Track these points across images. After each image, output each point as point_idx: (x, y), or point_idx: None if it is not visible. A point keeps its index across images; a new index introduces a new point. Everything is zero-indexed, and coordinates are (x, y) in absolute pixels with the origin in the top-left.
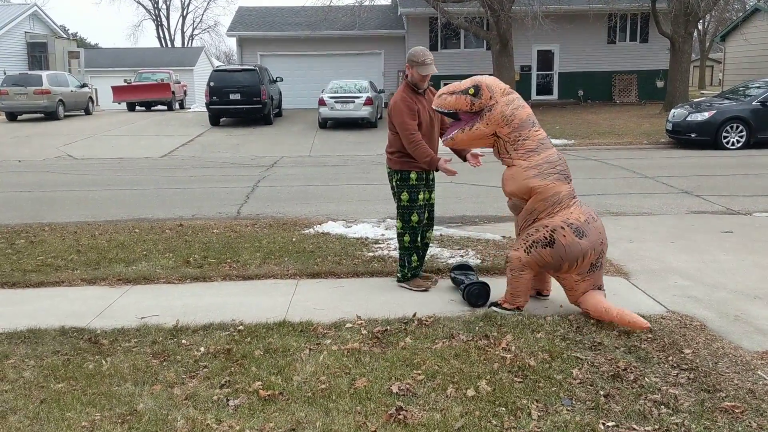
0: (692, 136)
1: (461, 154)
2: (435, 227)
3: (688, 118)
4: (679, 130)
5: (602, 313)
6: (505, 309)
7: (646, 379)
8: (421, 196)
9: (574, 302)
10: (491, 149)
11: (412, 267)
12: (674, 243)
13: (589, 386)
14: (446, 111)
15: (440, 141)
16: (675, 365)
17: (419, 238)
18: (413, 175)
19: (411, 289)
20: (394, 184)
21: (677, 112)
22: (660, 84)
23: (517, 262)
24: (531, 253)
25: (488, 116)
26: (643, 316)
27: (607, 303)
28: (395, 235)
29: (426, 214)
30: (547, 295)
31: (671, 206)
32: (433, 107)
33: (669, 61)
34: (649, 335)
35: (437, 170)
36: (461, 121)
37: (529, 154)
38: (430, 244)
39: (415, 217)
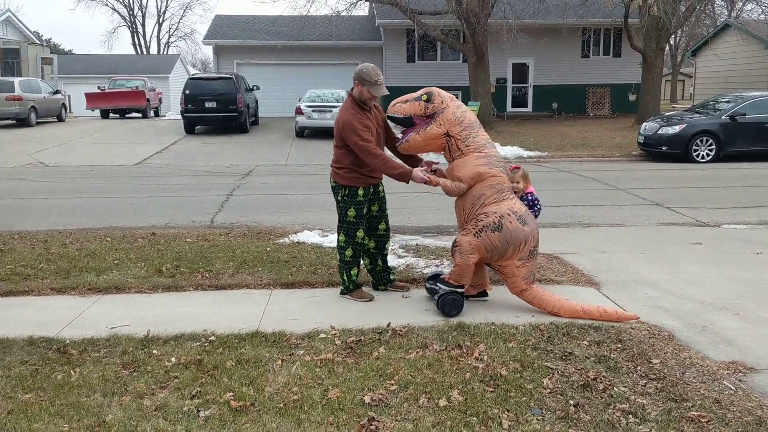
0: (663, 149)
1: (411, 165)
2: (411, 237)
3: (660, 132)
4: (651, 143)
5: (578, 313)
6: (450, 284)
7: (615, 388)
8: (365, 212)
9: (516, 293)
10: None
11: (352, 279)
12: (644, 254)
13: (559, 396)
14: (401, 117)
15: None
16: (643, 375)
17: (377, 249)
18: (360, 192)
19: (356, 300)
20: (339, 198)
21: (649, 126)
22: (632, 97)
23: (467, 245)
24: (480, 237)
25: (441, 117)
26: (612, 327)
27: (574, 302)
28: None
29: (384, 226)
30: (487, 295)
31: (642, 218)
32: (388, 115)
33: (641, 75)
34: (619, 345)
35: (408, 182)
36: (415, 126)
37: (480, 148)
38: (405, 255)
39: (360, 233)
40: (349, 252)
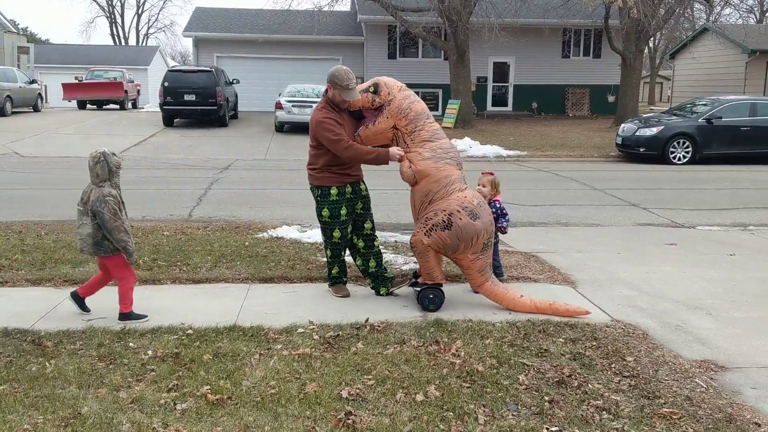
0: (641, 150)
1: None
2: (390, 233)
3: (637, 133)
4: (629, 144)
5: (531, 308)
6: (427, 284)
7: (589, 385)
8: (343, 212)
9: (476, 287)
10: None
11: (332, 277)
12: (621, 254)
13: (534, 392)
14: (351, 110)
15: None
16: (617, 372)
17: (367, 248)
18: (333, 191)
19: (334, 295)
20: (315, 198)
21: (627, 127)
22: (611, 99)
23: (420, 245)
24: (431, 236)
25: (388, 110)
26: (587, 325)
27: (527, 298)
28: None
29: (369, 225)
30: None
31: (619, 218)
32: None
33: (620, 76)
34: (594, 343)
35: (388, 162)
36: (365, 120)
37: (424, 142)
38: (384, 252)
39: (337, 233)
40: (329, 252)
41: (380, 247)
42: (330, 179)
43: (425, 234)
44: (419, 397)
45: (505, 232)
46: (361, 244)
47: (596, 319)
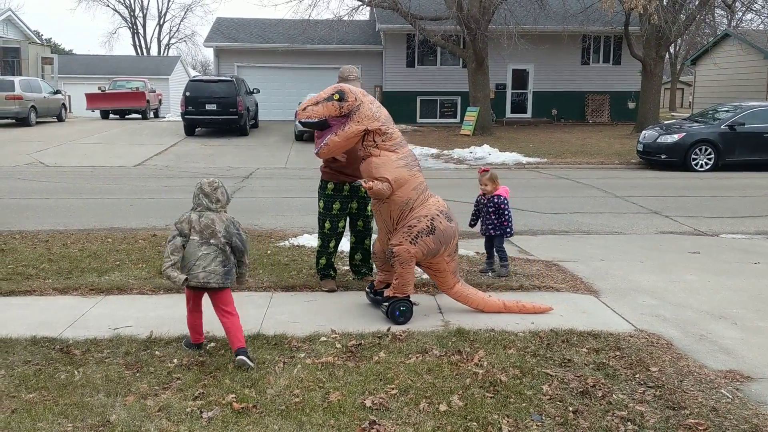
0: (662, 157)
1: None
2: None
3: (659, 140)
4: (650, 151)
5: (501, 308)
6: (398, 298)
7: (613, 395)
8: (336, 206)
9: (446, 290)
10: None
11: (319, 267)
12: (643, 263)
13: (558, 402)
14: (315, 121)
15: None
16: (642, 382)
17: (357, 243)
18: (330, 185)
19: (322, 288)
20: (317, 191)
21: (648, 134)
22: (632, 105)
23: (406, 254)
24: (418, 243)
25: (358, 115)
26: (611, 334)
27: (496, 299)
28: (367, 247)
29: (362, 223)
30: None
31: (640, 226)
32: (301, 121)
33: (641, 83)
34: (617, 353)
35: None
36: (331, 128)
37: (396, 146)
38: None
39: (327, 224)
40: (318, 241)
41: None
42: (328, 174)
43: (411, 242)
44: (442, 407)
45: (511, 235)
46: (353, 239)
47: (620, 328)
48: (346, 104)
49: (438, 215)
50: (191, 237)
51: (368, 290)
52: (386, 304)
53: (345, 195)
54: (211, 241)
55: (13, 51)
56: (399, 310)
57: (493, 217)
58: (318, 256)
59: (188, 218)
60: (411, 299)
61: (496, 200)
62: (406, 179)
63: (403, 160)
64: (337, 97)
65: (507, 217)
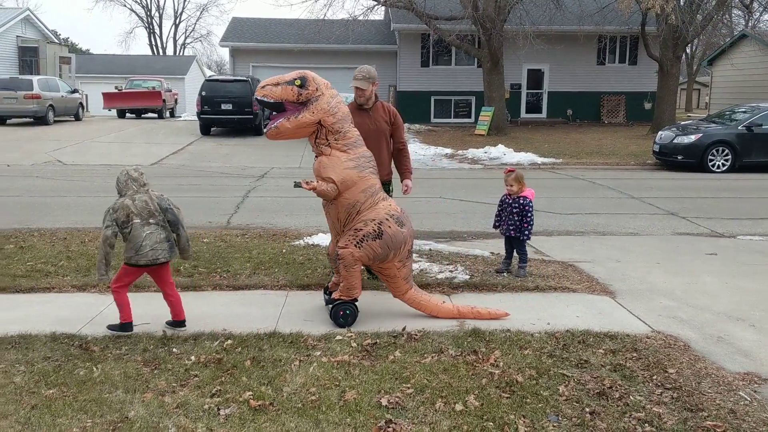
0: (679, 158)
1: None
2: (424, 241)
3: (675, 141)
4: (666, 152)
5: (455, 314)
6: (346, 301)
7: (630, 397)
8: None
9: (399, 296)
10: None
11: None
12: (660, 264)
13: (575, 403)
14: (271, 101)
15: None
16: (659, 384)
17: None
18: None
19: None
20: None
21: (664, 134)
22: (648, 106)
23: (350, 257)
24: (362, 246)
25: (315, 105)
26: (627, 336)
27: (450, 304)
28: None
29: None
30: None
31: (657, 227)
32: (257, 98)
33: (657, 83)
34: (634, 354)
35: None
36: (286, 112)
37: (349, 146)
38: (419, 260)
39: None
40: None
41: (414, 255)
42: None
43: (356, 245)
44: (458, 407)
45: (528, 238)
46: None
47: (636, 330)
48: (306, 92)
49: (387, 219)
50: (133, 221)
51: (324, 291)
52: (330, 306)
53: None
54: (150, 220)
55: (32, 50)
56: (342, 313)
57: (516, 218)
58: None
59: (123, 205)
60: (356, 303)
61: (521, 201)
62: (354, 181)
63: (353, 161)
64: (298, 83)
65: (529, 219)
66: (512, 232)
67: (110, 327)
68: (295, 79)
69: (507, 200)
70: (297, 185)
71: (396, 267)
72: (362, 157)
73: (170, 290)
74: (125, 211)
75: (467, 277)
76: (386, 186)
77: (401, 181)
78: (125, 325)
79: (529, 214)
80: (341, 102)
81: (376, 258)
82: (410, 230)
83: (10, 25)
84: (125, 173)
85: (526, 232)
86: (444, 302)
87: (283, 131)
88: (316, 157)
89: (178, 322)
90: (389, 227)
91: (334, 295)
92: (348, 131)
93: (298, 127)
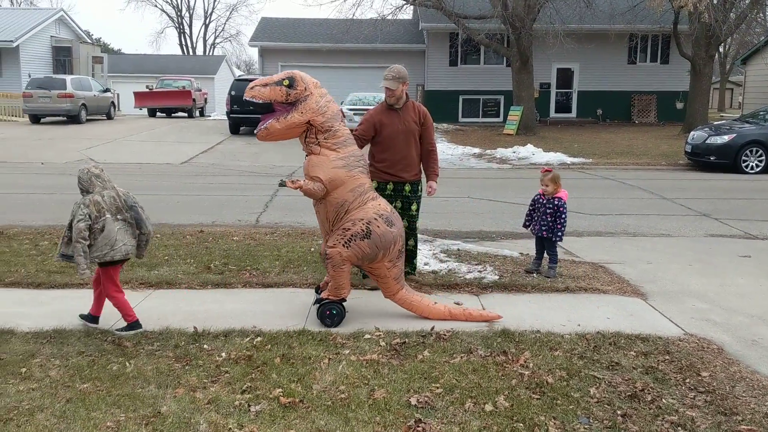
0: (711, 158)
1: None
2: (452, 241)
3: (708, 141)
4: (698, 152)
5: (446, 315)
6: (333, 301)
7: (663, 400)
8: None
9: (390, 296)
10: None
11: None
12: (692, 266)
13: (606, 405)
14: (260, 102)
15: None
16: (692, 387)
17: None
18: (373, 184)
19: (364, 287)
20: None
21: (697, 135)
22: (680, 105)
23: (338, 257)
24: (350, 246)
25: (303, 105)
26: (659, 338)
27: (442, 305)
28: (410, 248)
29: (405, 223)
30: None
31: (689, 228)
32: (246, 98)
33: (689, 83)
34: (667, 357)
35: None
36: (275, 113)
37: (338, 145)
38: (447, 260)
39: None
40: None
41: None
42: (372, 173)
43: (344, 245)
44: (488, 408)
45: (560, 240)
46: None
47: (668, 332)
48: (294, 92)
49: (376, 219)
50: (105, 216)
51: (315, 290)
52: (317, 305)
53: (388, 194)
54: (119, 216)
55: (65, 50)
56: (329, 313)
57: (549, 219)
58: None
59: (94, 200)
60: (344, 303)
61: (556, 202)
62: (343, 180)
63: (342, 160)
64: (286, 83)
65: (562, 220)
66: (544, 232)
67: (119, 330)
68: (284, 79)
69: (541, 200)
70: (282, 184)
71: (386, 267)
72: (352, 156)
73: (119, 291)
74: (96, 207)
75: (496, 277)
76: (414, 186)
77: (426, 182)
78: (134, 324)
79: (563, 216)
80: (331, 101)
81: (365, 258)
82: (400, 230)
83: (45, 25)
84: (87, 171)
85: (559, 233)
86: (436, 303)
87: (273, 132)
88: (306, 156)
89: (92, 317)
90: (378, 227)
91: (323, 295)
92: (338, 130)
93: (287, 127)
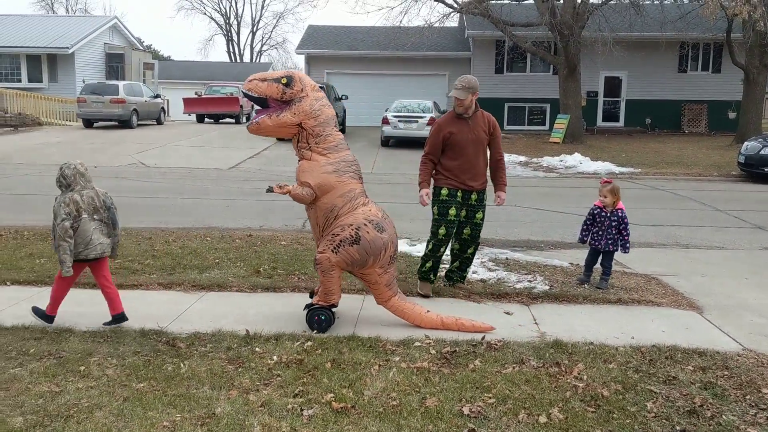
0: (765, 170)
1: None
2: (500, 250)
3: (762, 152)
4: (752, 163)
5: (438, 324)
6: (323, 307)
7: (723, 416)
8: (452, 212)
9: (382, 303)
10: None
11: (423, 270)
12: (748, 279)
13: (664, 420)
14: (256, 96)
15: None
16: (753, 404)
17: (459, 251)
18: (444, 191)
19: (419, 291)
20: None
21: (750, 145)
22: (732, 115)
23: (326, 262)
24: (339, 252)
25: (297, 106)
26: (717, 353)
27: (434, 314)
28: (468, 256)
29: (468, 231)
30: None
31: (744, 241)
32: (243, 91)
33: (742, 92)
34: (725, 372)
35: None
36: (269, 109)
37: (329, 150)
38: (496, 268)
39: (442, 230)
40: (429, 246)
41: (491, 263)
42: (442, 180)
43: (333, 251)
44: (542, 419)
45: (628, 252)
46: (456, 245)
47: (726, 347)
48: (290, 91)
49: (365, 225)
50: (82, 216)
51: (310, 294)
52: (306, 310)
53: (458, 201)
54: (95, 216)
55: (118, 57)
56: (317, 319)
57: (614, 232)
58: (425, 260)
59: (72, 199)
60: (333, 309)
61: (619, 214)
62: (333, 185)
63: (333, 165)
64: (284, 81)
65: (627, 232)
66: (611, 246)
67: (35, 311)
68: (283, 77)
69: (602, 213)
70: (269, 190)
71: (377, 273)
72: (343, 161)
73: (110, 283)
74: (75, 206)
75: (547, 287)
76: (480, 195)
77: (495, 192)
78: (49, 317)
79: (628, 227)
80: (326, 105)
81: (355, 263)
82: (392, 236)
83: (99, 32)
84: (73, 167)
85: (627, 245)
86: (428, 311)
87: (264, 128)
88: (299, 161)
89: (118, 316)
90: (367, 232)
91: (313, 300)
92: (329, 135)
93: (278, 125)
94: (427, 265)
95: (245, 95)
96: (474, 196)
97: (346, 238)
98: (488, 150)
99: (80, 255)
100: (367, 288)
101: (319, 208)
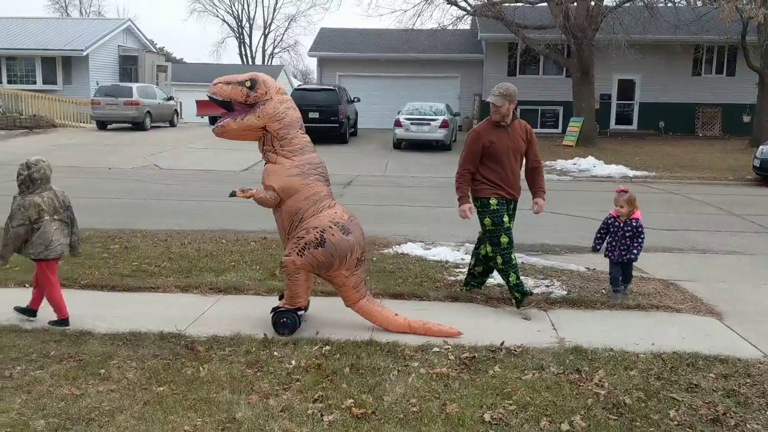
0: None
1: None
2: (517, 254)
3: None
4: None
5: (405, 328)
6: (288, 310)
7: (747, 425)
8: (506, 219)
9: (350, 305)
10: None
11: (513, 285)
12: (767, 285)
13: (687, 429)
14: (220, 99)
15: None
16: None
17: (486, 258)
18: (493, 201)
19: (524, 307)
20: (477, 210)
21: (766, 149)
22: (746, 119)
23: (292, 266)
24: (305, 255)
25: (261, 110)
26: (739, 360)
27: (402, 317)
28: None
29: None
30: (306, 309)
31: (762, 246)
32: (208, 95)
33: (757, 95)
34: (748, 380)
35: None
36: (234, 112)
37: (294, 153)
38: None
39: (504, 239)
40: (499, 259)
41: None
42: (488, 190)
43: (298, 254)
44: (564, 427)
45: (635, 259)
46: (485, 250)
47: (748, 354)
48: (254, 94)
49: (330, 227)
50: (44, 218)
51: (279, 297)
52: (272, 313)
53: (506, 209)
54: (55, 216)
55: (132, 59)
56: (282, 322)
57: (628, 242)
58: (506, 276)
59: (34, 203)
60: (299, 312)
61: (634, 224)
62: (297, 188)
63: (298, 168)
64: (248, 84)
65: (640, 241)
66: (625, 257)
67: (51, 323)
68: (246, 80)
69: (617, 224)
70: (232, 194)
71: (344, 276)
72: (308, 164)
73: (52, 285)
74: (36, 209)
75: (564, 292)
76: (516, 203)
77: (533, 199)
78: (64, 321)
79: (642, 236)
80: (291, 108)
81: (320, 266)
82: (358, 238)
83: (113, 35)
84: (43, 171)
85: (635, 251)
86: (396, 315)
87: (229, 131)
88: (264, 164)
89: (30, 311)
90: (333, 235)
91: (279, 303)
92: (294, 138)
93: (242, 129)
94: (512, 279)
95: (210, 99)
96: (512, 205)
97: (311, 240)
98: (525, 157)
99: (40, 255)
100: (378, 292)
101: (284, 211)
